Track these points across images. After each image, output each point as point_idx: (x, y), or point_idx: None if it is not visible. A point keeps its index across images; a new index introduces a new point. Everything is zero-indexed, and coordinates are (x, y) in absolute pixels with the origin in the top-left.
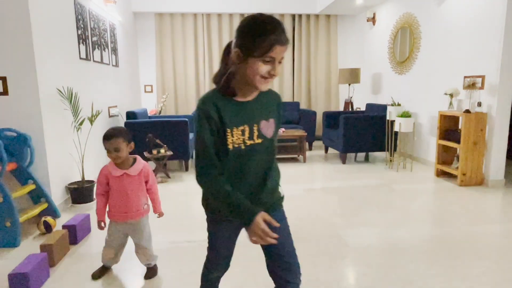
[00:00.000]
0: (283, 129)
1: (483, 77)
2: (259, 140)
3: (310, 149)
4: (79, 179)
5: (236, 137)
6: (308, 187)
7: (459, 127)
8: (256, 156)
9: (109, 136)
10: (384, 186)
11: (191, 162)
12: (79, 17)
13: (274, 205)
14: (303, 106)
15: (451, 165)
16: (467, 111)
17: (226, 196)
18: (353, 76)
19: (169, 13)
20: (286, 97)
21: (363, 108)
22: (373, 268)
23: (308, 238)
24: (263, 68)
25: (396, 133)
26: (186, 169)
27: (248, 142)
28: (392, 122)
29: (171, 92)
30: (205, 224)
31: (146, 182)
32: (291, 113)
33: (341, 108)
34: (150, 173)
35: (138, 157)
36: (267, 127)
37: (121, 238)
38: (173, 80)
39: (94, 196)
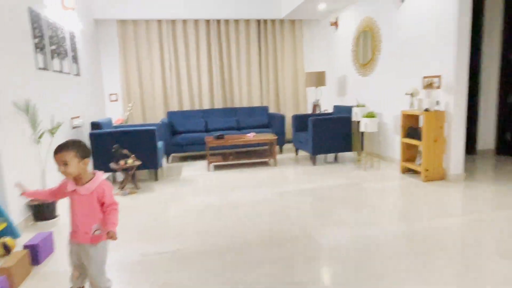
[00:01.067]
0: (253, 134)
1: (439, 77)
2: None
3: (281, 152)
4: None
5: None
6: (280, 190)
7: (420, 125)
8: None
9: (58, 149)
10: (354, 185)
11: (161, 171)
12: (34, 25)
13: None
14: (272, 110)
15: (415, 162)
16: (427, 110)
17: None
18: (319, 79)
19: (132, 20)
20: (255, 102)
21: (330, 110)
22: (345, 267)
23: (282, 240)
24: None
25: (362, 133)
26: (156, 179)
27: None
28: (358, 122)
29: (138, 100)
30: (177, 234)
31: (103, 204)
32: (261, 117)
33: (309, 111)
34: (107, 194)
35: (98, 175)
36: None
37: (75, 259)
38: (139, 88)
39: (57, 212)
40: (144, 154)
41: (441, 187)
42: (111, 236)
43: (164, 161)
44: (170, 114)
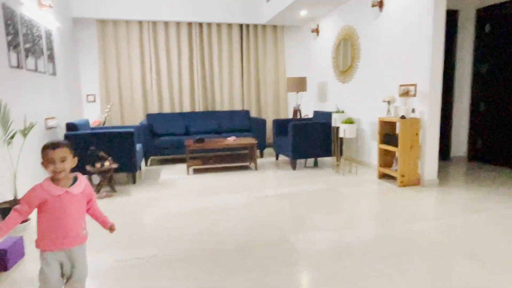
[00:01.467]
0: (234, 138)
1: (415, 85)
2: None
3: (262, 156)
4: (12, 197)
5: None
6: (260, 194)
7: (397, 132)
8: None
9: (56, 144)
10: (332, 190)
11: (139, 174)
12: (8, 22)
13: None
14: (253, 114)
15: (391, 168)
16: (403, 117)
17: None
18: (300, 84)
19: (113, 19)
20: (236, 106)
21: (310, 115)
22: (321, 272)
23: (260, 245)
24: None
25: (341, 138)
26: (134, 182)
27: None
28: (338, 128)
29: (116, 102)
30: (153, 240)
31: (88, 202)
32: (242, 121)
33: (290, 116)
34: (92, 191)
35: (79, 174)
36: None
37: (58, 269)
38: (118, 89)
39: (28, 216)
40: (121, 157)
41: (415, 192)
42: (113, 228)
43: (142, 164)
44: (150, 117)
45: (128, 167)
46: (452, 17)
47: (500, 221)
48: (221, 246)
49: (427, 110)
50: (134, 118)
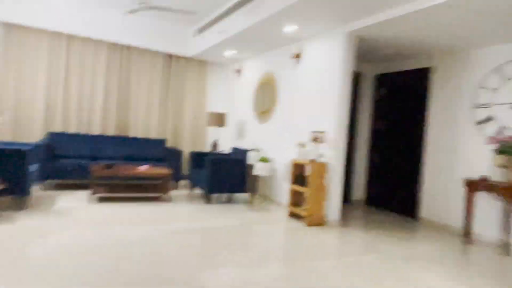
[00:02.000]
0: (147, 166)
1: (324, 133)
2: None
3: (176, 188)
4: None
5: None
6: (168, 228)
7: (307, 174)
8: None
9: None
10: (243, 226)
11: (30, 199)
12: None
13: None
14: (170, 144)
15: (301, 207)
16: (313, 161)
17: None
18: (220, 119)
19: (20, 25)
20: (152, 134)
21: (228, 151)
22: None
23: (165, 282)
24: None
25: (256, 176)
26: (22, 208)
27: None
28: (253, 166)
29: (11, 114)
30: (36, 278)
31: None
32: (157, 150)
33: (208, 149)
34: None
35: None
36: None
37: None
38: (15, 100)
39: None
40: (10, 178)
41: (320, 231)
42: None
43: (37, 187)
44: (52, 135)
45: (17, 190)
46: (356, 78)
47: (389, 263)
48: (117, 284)
49: (333, 156)
50: (32, 134)
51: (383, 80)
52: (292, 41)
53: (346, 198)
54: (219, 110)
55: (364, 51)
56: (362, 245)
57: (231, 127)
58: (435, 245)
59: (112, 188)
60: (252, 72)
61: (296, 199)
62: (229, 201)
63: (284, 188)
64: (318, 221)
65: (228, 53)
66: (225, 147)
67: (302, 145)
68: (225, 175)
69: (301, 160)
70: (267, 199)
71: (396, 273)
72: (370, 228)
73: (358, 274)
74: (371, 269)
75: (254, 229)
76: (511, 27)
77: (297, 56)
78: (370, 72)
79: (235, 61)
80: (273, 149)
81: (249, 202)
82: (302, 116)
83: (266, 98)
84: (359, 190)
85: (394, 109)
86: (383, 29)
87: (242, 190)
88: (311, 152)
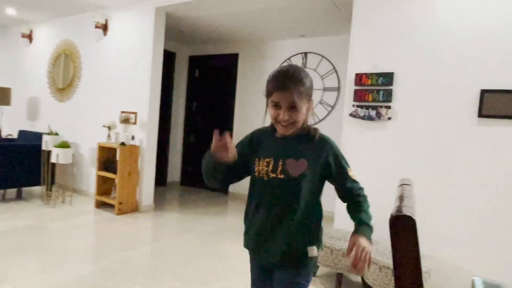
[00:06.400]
0: None
1: (136, 113)
2: (281, 176)
3: None
4: None
5: (261, 167)
6: None
7: (117, 159)
8: (275, 190)
9: None
10: (37, 226)
11: None
12: None
13: (284, 265)
14: None
15: (110, 195)
16: (123, 144)
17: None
18: (3, 96)
19: None
20: None
21: (15, 135)
22: None
23: None
24: (273, 113)
25: (54, 164)
26: None
27: (271, 175)
28: (49, 152)
29: None
30: None
31: None
32: None
33: None
34: None
35: None
36: (294, 166)
37: None
38: None
39: None
40: None
41: (133, 219)
42: None
43: None
44: None
45: None
46: (170, 58)
47: (201, 239)
48: None
49: (145, 138)
50: None
51: (197, 61)
52: (97, 8)
53: (162, 181)
54: (2, 84)
55: (178, 31)
56: (176, 227)
57: (20, 106)
58: (240, 217)
59: None
60: (47, 40)
61: (106, 187)
62: (19, 197)
63: (91, 176)
64: (130, 208)
65: (11, 10)
66: (11, 131)
67: (110, 127)
68: (11, 166)
69: (109, 143)
70: (69, 190)
71: (205, 248)
72: (185, 208)
73: (172, 257)
74: (183, 248)
75: (50, 227)
76: (296, 26)
77: (104, 27)
78: (186, 53)
79: (22, 23)
80: (76, 132)
81: (45, 196)
82: (110, 94)
83: (66, 72)
84: (176, 172)
85: (207, 90)
86: (190, 9)
87: (35, 182)
88: (121, 135)
